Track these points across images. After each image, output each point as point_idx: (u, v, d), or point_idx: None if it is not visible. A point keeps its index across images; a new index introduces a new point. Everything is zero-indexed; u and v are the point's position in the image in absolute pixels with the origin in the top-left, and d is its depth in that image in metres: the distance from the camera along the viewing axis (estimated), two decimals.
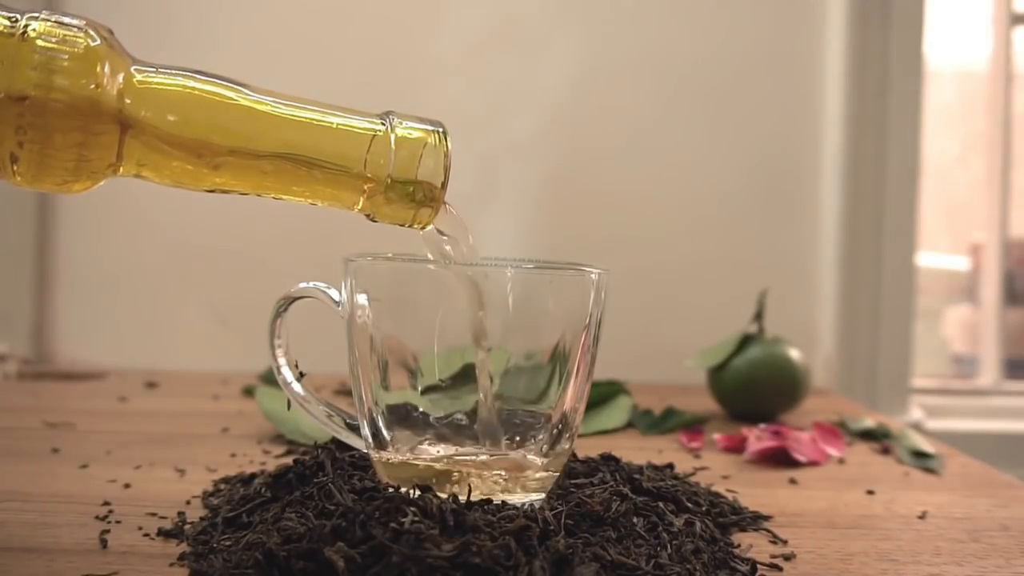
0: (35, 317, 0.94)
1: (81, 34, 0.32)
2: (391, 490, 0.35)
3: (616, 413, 0.67)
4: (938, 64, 1.23)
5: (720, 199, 0.97)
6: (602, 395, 0.69)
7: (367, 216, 0.38)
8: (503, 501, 0.36)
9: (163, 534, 0.39)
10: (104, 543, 0.37)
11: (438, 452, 0.39)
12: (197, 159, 0.34)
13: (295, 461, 0.41)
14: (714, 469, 0.55)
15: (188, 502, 0.44)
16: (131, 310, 0.94)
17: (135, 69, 0.33)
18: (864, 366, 0.99)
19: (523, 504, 0.36)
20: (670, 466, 0.50)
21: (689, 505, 0.41)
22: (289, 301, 0.41)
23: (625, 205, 0.96)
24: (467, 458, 0.38)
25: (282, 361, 0.41)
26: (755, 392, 0.70)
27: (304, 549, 0.31)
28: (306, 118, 0.35)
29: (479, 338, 0.37)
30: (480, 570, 0.30)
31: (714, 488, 0.48)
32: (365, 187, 0.36)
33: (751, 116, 0.97)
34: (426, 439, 0.39)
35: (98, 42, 0.32)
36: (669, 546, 0.36)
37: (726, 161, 0.96)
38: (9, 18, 0.31)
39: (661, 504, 0.40)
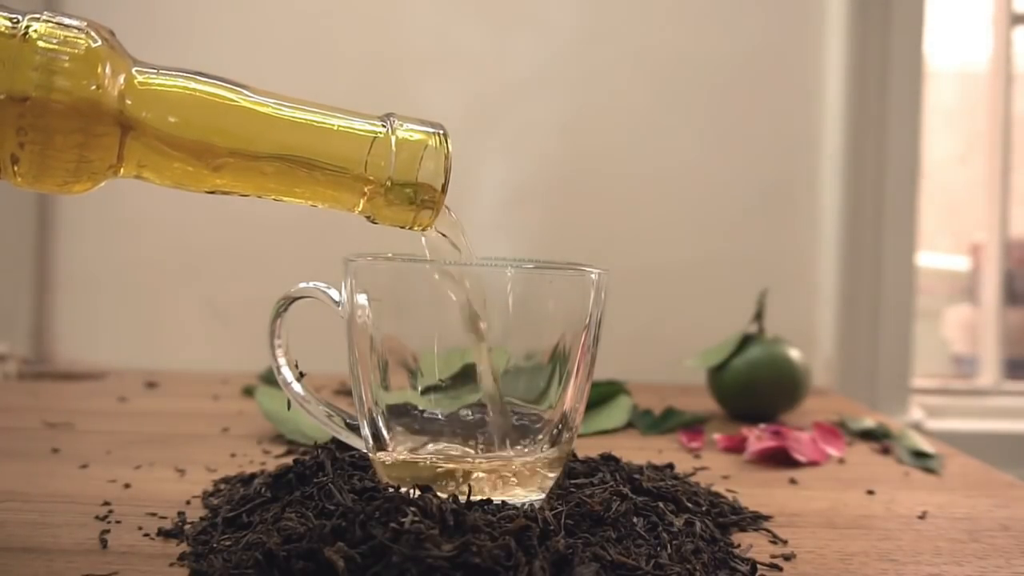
0: (35, 317, 0.94)
1: (82, 35, 0.32)
2: (391, 490, 0.36)
3: (616, 413, 0.67)
4: (938, 64, 1.23)
5: (720, 199, 0.97)
6: (602, 395, 0.69)
7: (367, 218, 0.38)
8: (503, 501, 0.36)
9: (163, 534, 0.39)
10: (104, 543, 0.37)
11: (438, 452, 0.39)
12: (198, 160, 0.34)
13: (295, 461, 0.41)
14: (714, 469, 0.55)
15: (188, 502, 0.44)
16: (131, 310, 0.94)
17: (136, 70, 0.33)
18: (864, 366, 0.99)
19: (523, 504, 0.36)
20: (670, 466, 0.50)
21: (689, 505, 0.41)
22: (289, 301, 0.41)
23: (625, 205, 0.96)
24: (467, 458, 0.38)
25: (282, 361, 0.41)
26: (755, 392, 0.70)
27: (304, 549, 0.31)
28: (307, 120, 0.35)
29: (478, 340, 0.37)
30: (480, 570, 0.30)
31: (714, 488, 0.48)
32: (365, 189, 0.36)
33: (751, 116, 0.97)
34: (426, 439, 0.39)
35: (99, 43, 0.32)
36: (669, 546, 0.36)
37: (726, 161, 0.97)
38: (10, 19, 0.31)
39: (661, 504, 0.40)
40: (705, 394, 0.74)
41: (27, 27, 0.31)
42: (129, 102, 0.33)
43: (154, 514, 0.42)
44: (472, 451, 0.38)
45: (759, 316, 0.74)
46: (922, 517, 0.46)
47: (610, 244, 0.95)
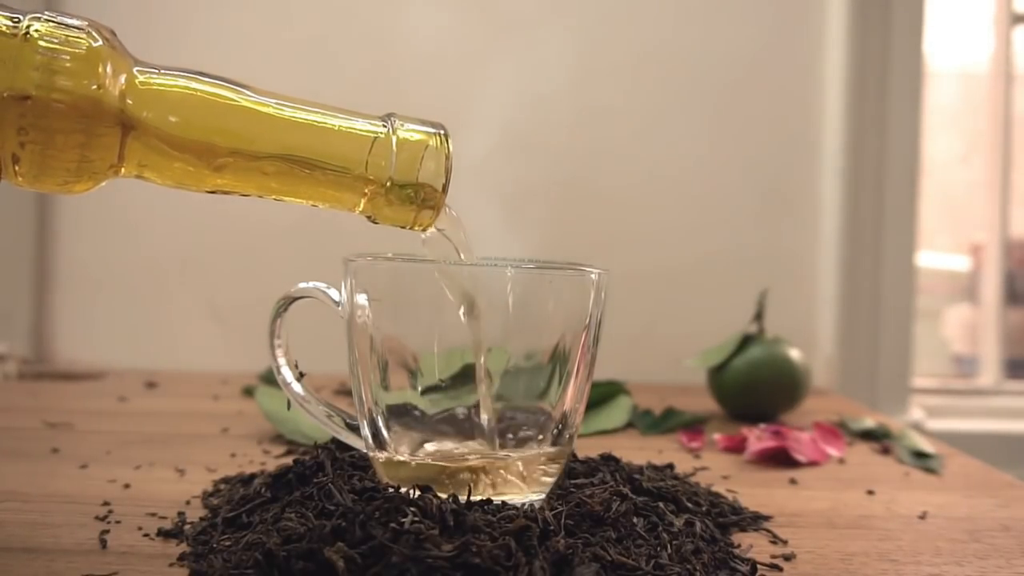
0: (35, 317, 0.94)
1: (83, 35, 0.32)
2: (391, 490, 0.36)
3: (616, 413, 0.67)
4: (939, 64, 1.23)
5: (720, 199, 0.97)
6: (602, 395, 0.69)
7: (368, 218, 0.38)
8: (503, 501, 0.36)
9: (163, 534, 0.39)
10: (104, 543, 0.37)
11: (438, 452, 0.39)
12: (199, 160, 0.34)
13: (295, 461, 0.41)
14: (714, 469, 0.55)
15: (188, 502, 0.44)
16: (131, 310, 0.94)
17: (137, 70, 0.33)
18: (864, 366, 0.99)
19: (523, 504, 0.36)
20: (670, 466, 0.50)
21: (689, 505, 0.41)
22: (289, 301, 0.41)
23: (625, 205, 0.96)
24: (467, 458, 0.38)
25: (282, 361, 0.41)
26: (755, 392, 0.70)
27: (304, 549, 0.31)
28: (308, 120, 0.35)
29: (478, 341, 0.37)
30: (480, 570, 0.30)
31: (714, 488, 0.48)
32: (366, 189, 0.36)
33: (751, 116, 0.97)
34: (426, 439, 0.39)
35: (100, 43, 0.32)
36: (669, 546, 0.36)
37: (726, 161, 0.97)
38: (11, 19, 0.31)
39: (661, 504, 0.40)
40: (705, 394, 0.74)
41: (28, 27, 0.31)
42: (130, 102, 0.33)
43: (154, 514, 0.42)
44: (472, 451, 0.38)
45: (759, 316, 0.74)
46: (922, 517, 0.46)
47: (610, 244, 0.95)
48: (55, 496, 0.45)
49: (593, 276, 0.39)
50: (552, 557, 0.31)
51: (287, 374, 0.42)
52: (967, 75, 1.34)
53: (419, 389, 0.38)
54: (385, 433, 0.39)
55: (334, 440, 0.43)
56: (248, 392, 0.75)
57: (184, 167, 0.34)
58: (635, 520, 0.38)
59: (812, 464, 0.57)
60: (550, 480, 0.40)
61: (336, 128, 0.36)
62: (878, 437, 0.65)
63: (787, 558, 0.38)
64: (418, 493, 0.34)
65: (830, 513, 0.46)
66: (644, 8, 0.96)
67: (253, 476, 0.46)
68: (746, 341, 0.72)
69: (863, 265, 0.99)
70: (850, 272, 0.98)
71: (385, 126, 0.36)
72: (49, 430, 0.60)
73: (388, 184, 0.36)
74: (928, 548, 0.41)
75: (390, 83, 0.94)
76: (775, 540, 0.41)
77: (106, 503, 0.43)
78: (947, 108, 1.35)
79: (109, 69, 0.32)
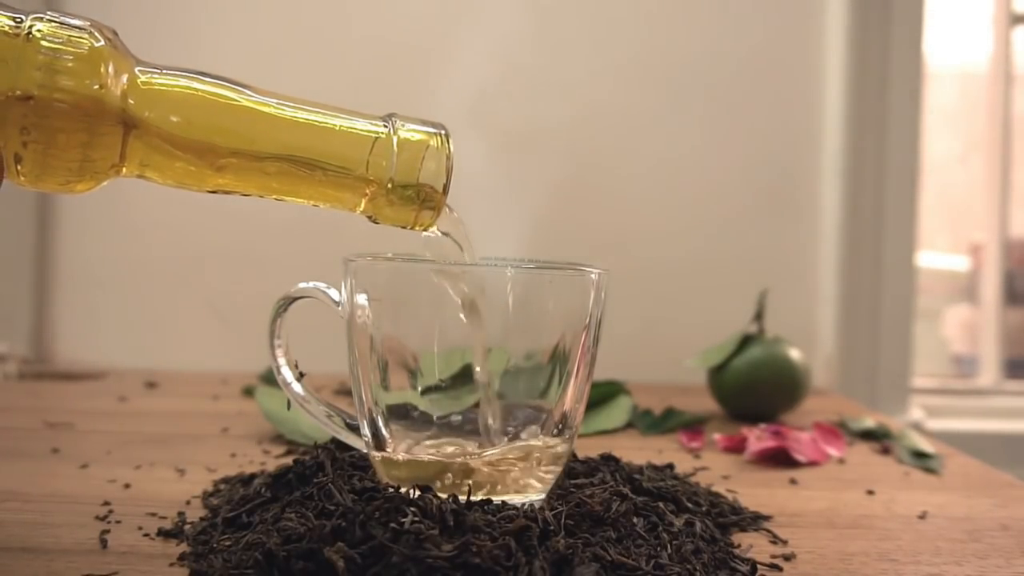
0: (35, 317, 0.94)
1: (85, 35, 0.32)
2: (391, 490, 0.36)
3: (616, 413, 0.67)
4: (938, 64, 1.23)
5: (720, 199, 0.97)
6: (602, 395, 0.69)
7: (369, 218, 0.38)
8: (503, 501, 0.36)
9: (163, 534, 0.39)
10: (104, 543, 0.37)
11: (438, 452, 0.39)
12: (200, 160, 0.34)
13: (295, 461, 0.41)
14: (714, 469, 0.55)
15: (188, 502, 0.44)
16: (131, 310, 0.94)
17: (139, 70, 0.34)
18: (864, 366, 0.99)
19: (523, 504, 0.36)
20: (670, 466, 0.50)
21: (689, 505, 0.41)
22: (289, 301, 0.41)
23: (625, 205, 0.96)
24: (467, 457, 0.38)
25: (282, 361, 0.42)
26: (755, 392, 0.70)
27: (304, 549, 0.31)
28: (309, 120, 0.35)
29: (478, 341, 0.37)
30: (480, 570, 0.30)
31: (714, 488, 0.48)
32: (367, 189, 0.36)
33: (751, 116, 0.97)
34: (426, 439, 0.39)
35: (102, 43, 0.32)
36: (669, 546, 0.36)
37: (726, 161, 0.97)
38: (14, 18, 0.31)
39: (661, 504, 0.40)
40: (705, 394, 0.74)
41: (30, 27, 0.31)
42: (132, 101, 0.33)
43: (154, 514, 0.42)
44: (472, 451, 0.38)
45: (759, 316, 0.74)
46: (922, 517, 0.46)
47: (610, 243, 0.95)
48: (55, 496, 0.45)
49: (593, 276, 0.39)
50: (552, 557, 0.31)
51: (287, 374, 0.42)
52: (966, 75, 1.35)
53: (419, 389, 0.38)
54: (385, 433, 0.39)
55: (334, 440, 0.43)
56: (248, 392, 0.75)
57: (185, 167, 0.34)
58: (635, 520, 0.38)
59: (812, 464, 0.57)
60: (550, 480, 0.40)
61: (337, 128, 0.36)
62: (878, 437, 0.65)
63: (787, 558, 0.38)
64: (418, 493, 0.34)
65: (830, 513, 0.46)
66: (644, 8, 0.96)
67: (253, 476, 0.46)
68: (746, 341, 0.72)
69: (863, 265, 0.99)
70: (850, 272, 0.98)
71: (386, 126, 0.36)
72: (49, 430, 0.60)
73: (389, 184, 0.36)
74: (928, 548, 0.41)
75: (390, 82, 0.94)
76: (775, 540, 0.41)
77: (106, 503, 0.43)
78: (946, 108, 1.35)
79: (111, 69, 0.32)
